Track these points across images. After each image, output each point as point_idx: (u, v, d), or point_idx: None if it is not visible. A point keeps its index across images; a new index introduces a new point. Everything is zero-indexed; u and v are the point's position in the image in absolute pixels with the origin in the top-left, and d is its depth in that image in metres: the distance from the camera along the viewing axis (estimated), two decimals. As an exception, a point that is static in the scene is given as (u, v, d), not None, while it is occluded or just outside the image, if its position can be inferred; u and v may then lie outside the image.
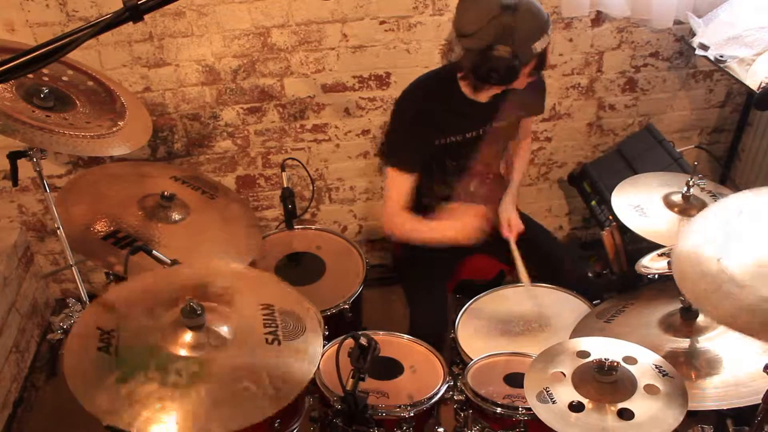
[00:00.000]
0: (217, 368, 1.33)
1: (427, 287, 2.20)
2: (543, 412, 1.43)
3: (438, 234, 2.06)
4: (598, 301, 2.05)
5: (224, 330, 1.39)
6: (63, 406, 2.54)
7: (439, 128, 2.04)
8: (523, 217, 2.29)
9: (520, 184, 2.39)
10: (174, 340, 1.35)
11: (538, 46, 1.87)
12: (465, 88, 2.04)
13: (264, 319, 1.45)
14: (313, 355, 1.41)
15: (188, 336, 1.35)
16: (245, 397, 1.28)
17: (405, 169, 2.06)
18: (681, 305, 1.69)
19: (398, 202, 2.09)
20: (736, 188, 2.84)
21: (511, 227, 2.20)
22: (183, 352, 1.34)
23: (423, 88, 2.07)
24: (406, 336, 1.92)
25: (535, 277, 2.15)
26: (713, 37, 2.37)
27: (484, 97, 2.05)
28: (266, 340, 1.40)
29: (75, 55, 2.10)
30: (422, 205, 2.19)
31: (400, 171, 2.06)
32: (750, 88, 2.23)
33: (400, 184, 2.08)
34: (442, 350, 1.90)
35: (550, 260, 2.25)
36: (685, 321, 1.68)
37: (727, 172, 2.93)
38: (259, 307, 1.47)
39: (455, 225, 2.03)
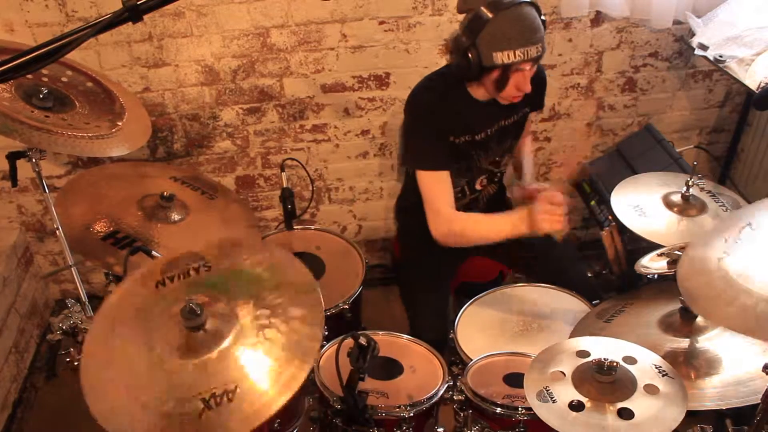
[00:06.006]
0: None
1: (429, 291, 2.19)
2: (543, 411, 1.43)
3: (493, 231, 1.97)
4: (598, 301, 2.05)
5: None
6: (63, 406, 2.54)
7: (449, 129, 2.03)
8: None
9: (533, 170, 2.38)
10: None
11: (501, 57, 1.84)
12: (469, 87, 2.03)
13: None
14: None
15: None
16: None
17: (437, 167, 2.02)
18: (680, 305, 1.69)
19: (445, 203, 2.02)
20: (735, 188, 2.85)
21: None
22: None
23: (431, 89, 2.05)
24: (405, 336, 1.93)
25: (535, 277, 2.15)
26: (712, 37, 2.37)
27: (480, 95, 2.05)
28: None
29: (74, 56, 2.10)
30: None
31: (432, 171, 2.02)
32: (749, 88, 2.23)
33: (437, 183, 2.02)
34: (443, 353, 1.89)
35: (550, 260, 2.25)
36: (685, 321, 1.68)
37: (727, 172, 2.93)
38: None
39: (511, 218, 1.91)
